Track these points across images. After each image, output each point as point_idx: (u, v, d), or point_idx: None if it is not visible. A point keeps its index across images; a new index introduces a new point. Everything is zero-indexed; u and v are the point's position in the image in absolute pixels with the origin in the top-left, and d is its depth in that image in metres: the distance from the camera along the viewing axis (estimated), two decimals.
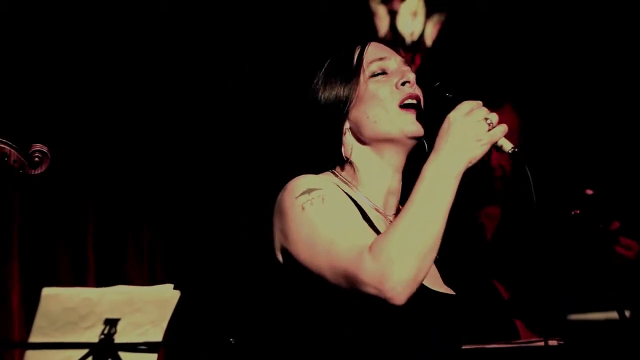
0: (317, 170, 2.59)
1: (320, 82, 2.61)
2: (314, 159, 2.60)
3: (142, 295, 2.36)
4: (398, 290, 2.27)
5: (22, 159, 2.88)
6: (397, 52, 2.66)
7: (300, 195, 2.42)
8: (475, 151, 2.36)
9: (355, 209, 2.48)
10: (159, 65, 4.94)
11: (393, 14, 5.22)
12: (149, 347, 2.40)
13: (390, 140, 2.55)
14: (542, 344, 3.71)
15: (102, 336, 2.33)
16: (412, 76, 2.58)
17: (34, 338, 2.29)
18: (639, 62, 4.99)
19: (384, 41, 2.70)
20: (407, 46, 5.17)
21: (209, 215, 5.04)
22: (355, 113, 2.57)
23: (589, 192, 3.63)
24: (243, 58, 5.08)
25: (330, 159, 2.61)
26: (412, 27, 5.22)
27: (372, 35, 2.69)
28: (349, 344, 2.38)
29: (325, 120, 2.57)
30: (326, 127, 2.57)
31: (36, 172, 2.91)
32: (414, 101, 2.55)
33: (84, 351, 2.32)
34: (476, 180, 2.32)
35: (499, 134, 2.38)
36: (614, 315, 3.52)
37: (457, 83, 2.50)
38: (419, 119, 2.54)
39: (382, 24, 5.21)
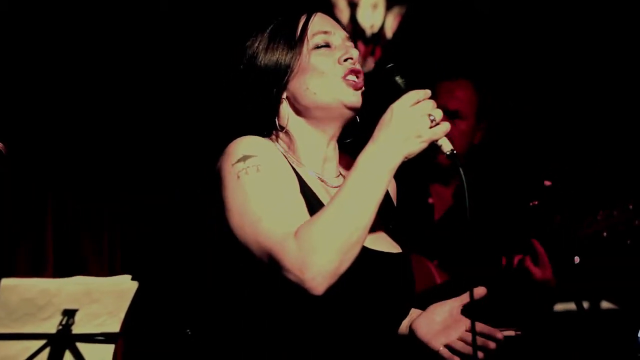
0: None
1: (261, 45, 2.57)
2: (249, 125, 2.55)
3: (100, 286, 2.36)
4: (318, 280, 2.22)
5: None
6: (343, 27, 2.64)
7: (236, 163, 2.38)
8: (413, 147, 2.31)
9: (293, 180, 2.45)
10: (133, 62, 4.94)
11: (353, 6, 5.24)
12: (107, 337, 2.40)
13: (327, 109, 2.52)
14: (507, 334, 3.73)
15: (60, 327, 2.32)
16: (355, 52, 2.55)
17: None
18: (610, 56, 5.04)
19: (330, 14, 2.66)
20: (367, 38, 5.20)
21: (168, 206, 5.04)
22: (294, 83, 2.53)
23: (547, 183, 3.65)
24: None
25: (264, 126, 2.57)
26: (372, 19, 5.24)
27: (319, 5, 2.63)
28: (290, 312, 2.37)
29: (264, 87, 2.54)
30: (264, 94, 2.54)
31: None
32: (355, 77, 2.52)
33: (42, 342, 2.31)
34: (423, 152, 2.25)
35: (440, 133, 2.32)
36: (572, 306, 3.56)
37: (412, 70, 2.47)
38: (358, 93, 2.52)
39: (343, 16, 5.23)
